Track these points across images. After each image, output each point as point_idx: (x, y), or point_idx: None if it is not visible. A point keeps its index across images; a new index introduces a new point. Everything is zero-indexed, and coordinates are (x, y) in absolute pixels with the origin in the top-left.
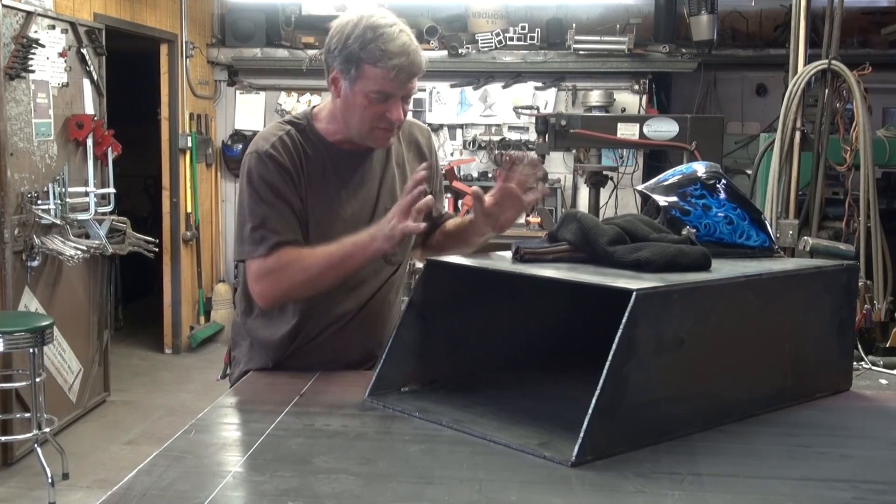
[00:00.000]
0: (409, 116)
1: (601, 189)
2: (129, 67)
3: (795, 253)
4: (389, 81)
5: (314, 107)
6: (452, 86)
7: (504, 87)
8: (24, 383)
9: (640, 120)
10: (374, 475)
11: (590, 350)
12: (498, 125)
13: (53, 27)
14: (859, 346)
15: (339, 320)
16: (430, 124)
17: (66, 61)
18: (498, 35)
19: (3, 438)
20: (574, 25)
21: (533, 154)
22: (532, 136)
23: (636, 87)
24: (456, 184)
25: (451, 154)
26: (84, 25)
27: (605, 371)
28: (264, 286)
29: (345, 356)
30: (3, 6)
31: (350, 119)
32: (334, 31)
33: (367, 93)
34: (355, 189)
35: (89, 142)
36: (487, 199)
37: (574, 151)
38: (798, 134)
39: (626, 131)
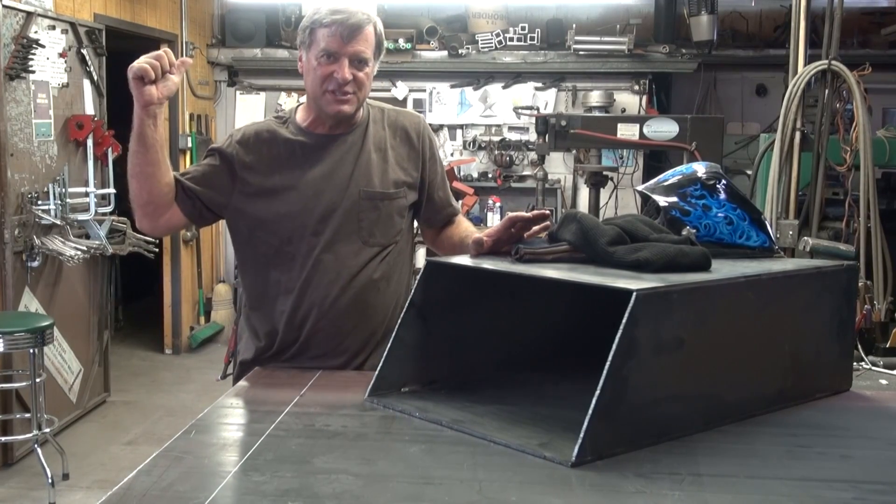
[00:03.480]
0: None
1: (601, 189)
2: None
3: (795, 253)
4: (331, 38)
5: (301, 102)
6: (452, 86)
7: (504, 87)
8: (24, 383)
9: (640, 120)
10: (373, 475)
11: (590, 350)
12: (498, 125)
13: (53, 27)
14: (859, 347)
15: (324, 302)
16: (430, 124)
17: (66, 62)
18: (498, 35)
19: (3, 439)
20: (574, 26)
21: (543, 210)
22: (532, 136)
23: (636, 87)
24: (456, 184)
25: (451, 154)
26: (84, 26)
27: (605, 371)
28: None
29: (340, 347)
30: (3, 6)
31: (308, 88)
32: None
33: (318, 55)
34: (328, 170)
35: (89, 142)
36: (486, 240)
37: (574, 152)
38: (798, 134)
39: (626, 132)
